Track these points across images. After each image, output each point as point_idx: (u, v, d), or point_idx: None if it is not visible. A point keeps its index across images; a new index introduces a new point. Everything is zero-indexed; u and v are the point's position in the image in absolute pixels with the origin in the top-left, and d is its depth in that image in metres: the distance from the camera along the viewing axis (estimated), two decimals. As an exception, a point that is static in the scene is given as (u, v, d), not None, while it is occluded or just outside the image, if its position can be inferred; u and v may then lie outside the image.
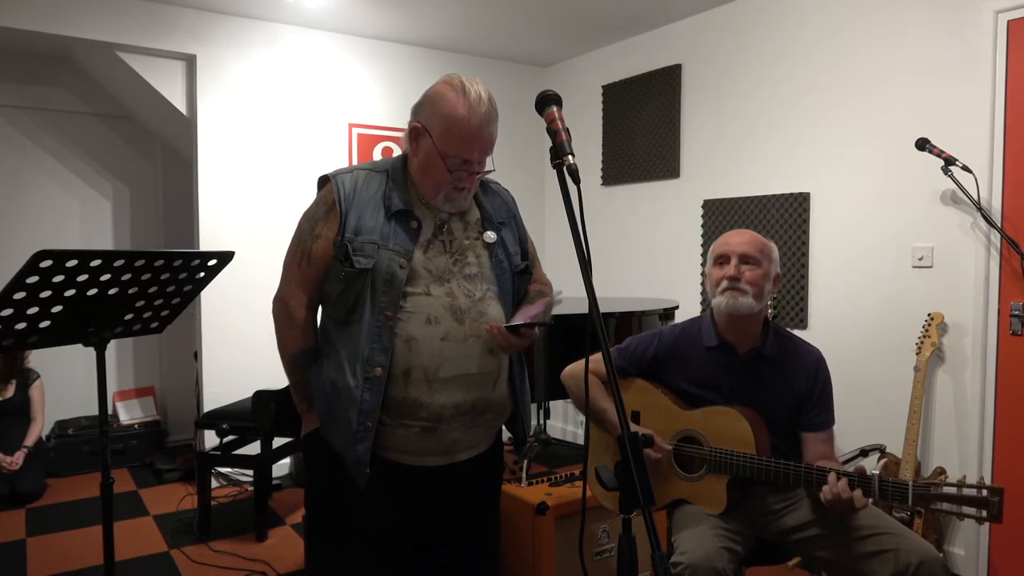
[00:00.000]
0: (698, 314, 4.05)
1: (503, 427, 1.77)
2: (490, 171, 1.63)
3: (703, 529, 1.86)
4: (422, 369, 1.53)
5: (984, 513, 1.61)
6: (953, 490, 1.64)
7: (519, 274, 1.72)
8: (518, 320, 1.57)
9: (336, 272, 1.56)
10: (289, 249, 1.65)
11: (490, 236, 1.65)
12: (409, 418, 1.53)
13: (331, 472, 1.57)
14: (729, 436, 1.92)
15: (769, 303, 2.02)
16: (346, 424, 1.53)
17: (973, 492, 1.62)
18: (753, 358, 2.00)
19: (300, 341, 1.65)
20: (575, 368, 2.15)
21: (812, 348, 2.04)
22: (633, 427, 2.01)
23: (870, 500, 1.72)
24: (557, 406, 5.15)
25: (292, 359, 1.67)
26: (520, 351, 1.71)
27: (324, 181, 1.63)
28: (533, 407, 4.69)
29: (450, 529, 1.67)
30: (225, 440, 3.58)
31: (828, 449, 1.99)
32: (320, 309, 1.68)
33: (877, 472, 1.72)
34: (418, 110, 1.59)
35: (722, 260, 1.99)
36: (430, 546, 1.67)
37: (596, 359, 2.17)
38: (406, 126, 1.63)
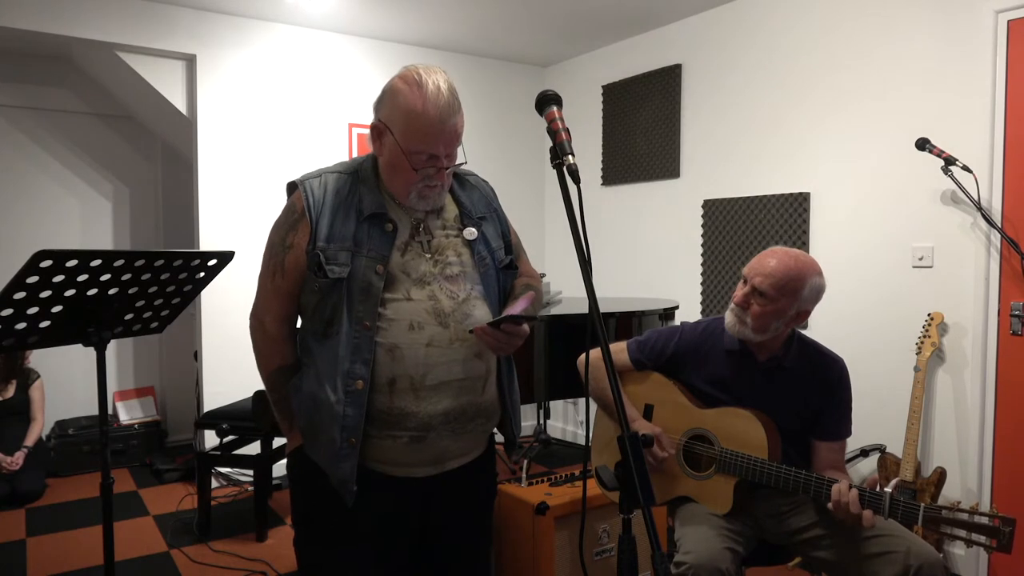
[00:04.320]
0: (699, 315, 4.08)
1: (495, 431, 1.70)
2: (462, 163, 1.55)
3: (707, 529, 1.86)
4: (407, 378, 1.45)
5: (994, 543, 1.59)
6: (965, 516, 1.62)
7: (504, 269, 1.64)
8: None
9: (311, 283, 1.48)
10: (262, 263, 1.56)
11: (470, 232, 1.57)
12: (396, 428, 1.47)
13: (318, 489, 1.50)
14: (741, 438, 1.92)
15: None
16: (329, 441, 1.46)
17: (985, 520, 1.60)
18: (773, 367, 1.97)
19: (278, 358, 1.58)
20: (593, 355, 2.11)
21: (837, 358, 2.01)
22: (640, 423, 2.01)
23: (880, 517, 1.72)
24: (557, 406, 5.14)
25: (271, 377, 1.59)
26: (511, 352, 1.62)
27: (292, 187, 1.55)
28: (532, 407, 4.70)
29: (442, 536, 1.62)
30: (225, 440, 3.58)
31: (839, 458, 1.99)
32: (299, 323, 1.61)
33: (889, 491, 1.71)
34: (378, 107, 1.50)
35: (743, 281, 1.93)
36: (421, 553, 1.62)
37: (616, 349, 2.16)
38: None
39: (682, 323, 2.18)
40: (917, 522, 1.67)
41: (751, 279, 1.89)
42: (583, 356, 2.20)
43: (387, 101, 1.47)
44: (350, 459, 1.45)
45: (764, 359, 1.98)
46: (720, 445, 1.95)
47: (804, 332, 3.47)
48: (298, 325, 1.63)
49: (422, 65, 1.47)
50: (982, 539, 1.61)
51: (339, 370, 1.45)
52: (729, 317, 1.94)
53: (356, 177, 1.54)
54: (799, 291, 1.86)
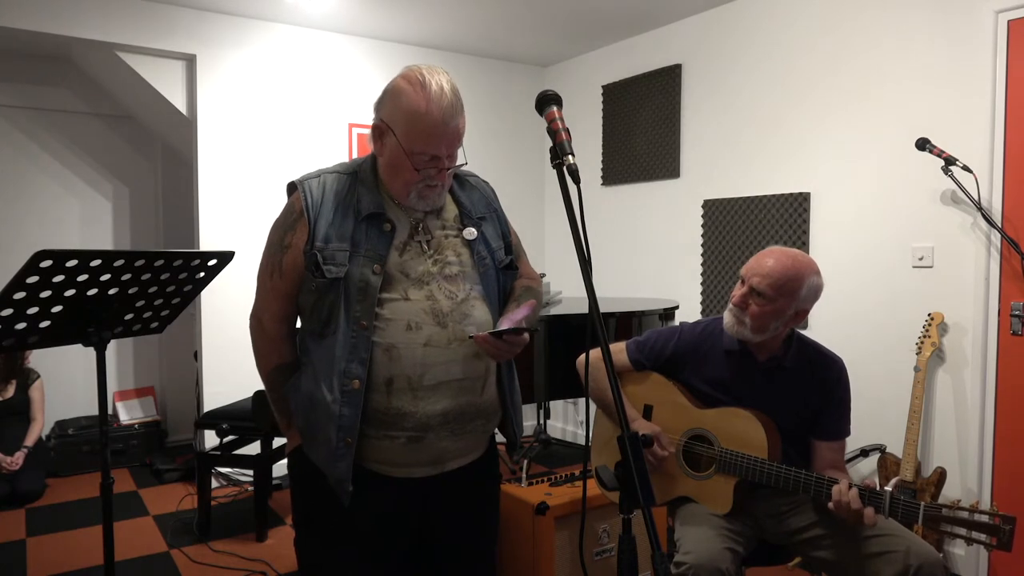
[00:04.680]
0: (699, 315, 4.08)
1: (496, 431, 1.70)
2: (462, 165, 1.55)
3: (707, 529, 1.86)
4: (405, 378, 1.45)
5: (994, 541, 1.59)
6: (965, 514, 1.62)
7: (504, 269, 1.63)
8: (504, 326, 1.49)
9: (308, 283, 1.49)
10: (261, 262, 1.57)
11: (470, 232, 1.57)
12: (394, 429, 1.46)
13: (317, 489, 1.51)
14: (741, 438, 1.92)
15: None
16: (326, 440, 1.46)
17: (985, 518, 1.60)
18: (773, 367, 1.97)
19: (276, 357, 1.59)
20: (592, 358, 2.12)
21: (836, 358, 2.01)
22: (640, 423, 2.01)
23: (880, 517, 1.72)
24: (557, 406, 5.14)
25: (269, 376, 1.60)
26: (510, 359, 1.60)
27: (292, 188, 1.55)
28: (532, 407, 4.69)
29: (442, 537, 1.62)
30: (225, 440, 3.58)
31: (838, 458, 1.99)
32: (299, 322, 1.61)
33: (890, 489, 1.71)
34: (379, 107, 1.50)
35: (741, 281, 1.93)
36: (424, 553, 1.62)
37: (615, 349, 2.16)
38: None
39: (681, 323, 2.18)
40: (917, 521, 1.67)
41: (749, 279, 1.89)
42: (582, 357, 2.19)
43: (389, 101, 1.47)
44: (346, 459, 1.46)
45: (763, 359, 1.98)
46: (720, 445, 1.95)
47: (804, 332, 3.47)
48: (297, 325, 1.63)
49: (425, 65, 1.46)
50: (982, 537, 1.61)
51: (335, 370, 1.45)
52: (728, 317, 1.94)
53: (355, 177, 1.54)
54: (797, 291, 1.86)
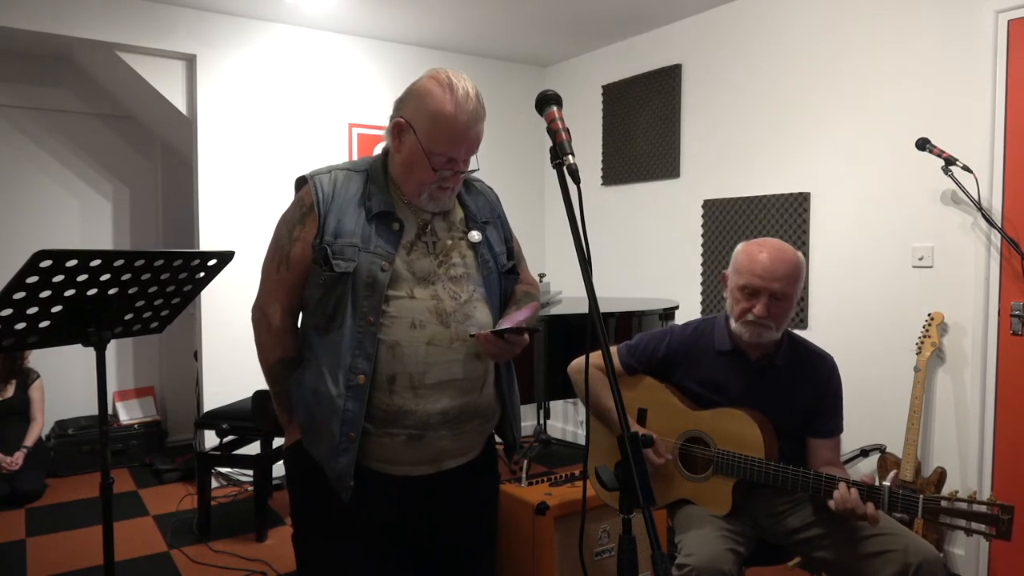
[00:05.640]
0: (699, 314, 4.08)
1: (494, 433, 1.71)
2: (474, 170, 1.58)
3: (708, 531, 1.85)
4: (407, 375, 1.47)
5: (993, 530, 1.60)
6: (963, 505, 1.63)
7: (506, 274, 1.66)
8: (505, 325, 1.51)
9: (315, 277, 1.51)
10: (267, 254, 1.58)
11: (475, 235, 1.60)
12: (394, 426, 1.48)
13: (315, 485, 1.51)
14: (737, 439, 1.91)
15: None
16: (329, 435, 1.47)
17: (983, 508, 1.61)
18: (765, 365, 1.97)
19: (279, 350, 1.59)
20: (581, 363, 2.13)
21: (826, 355, 2.01)
22: (634, 427, 2.01)
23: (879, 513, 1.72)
24: (557, 406, 5.14)
25: (271, 369, 1.61)
26: (509, 359, 1.62)
27: (302, 182, 1.57)
28: (532, 407, 4.69)
29: (441, 536, 1.63)
30: (225, 440, 3.58)
31: (834, 456, 1.99)
32: (300, 316, 1.62)
33: (888, 484, 1.71)
34: (401, 105, 1.52)
35: (750, 291, 1.89)
36: (424, 553, 1.63)
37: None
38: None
39: (671, 325, 2.18)
40: (917, 513, 1.67)
41: (766, 287, 1.86)
42: (574, 363, 2.18)
43: (414, 100, 1.49)
44: (348, 454, 1.47)
45: (756, 358, 1.98)
46: (716, 446, 1.95)
47: (804, 330, 3.47)
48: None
49: (450, 69, 1.50)
50: (982, 528, 1.62)
51: (341, 364, 1.46)
52: (748, 330, 1.90)
53: (366, 176, 1.57)
54: (801, 276, 1.91)
